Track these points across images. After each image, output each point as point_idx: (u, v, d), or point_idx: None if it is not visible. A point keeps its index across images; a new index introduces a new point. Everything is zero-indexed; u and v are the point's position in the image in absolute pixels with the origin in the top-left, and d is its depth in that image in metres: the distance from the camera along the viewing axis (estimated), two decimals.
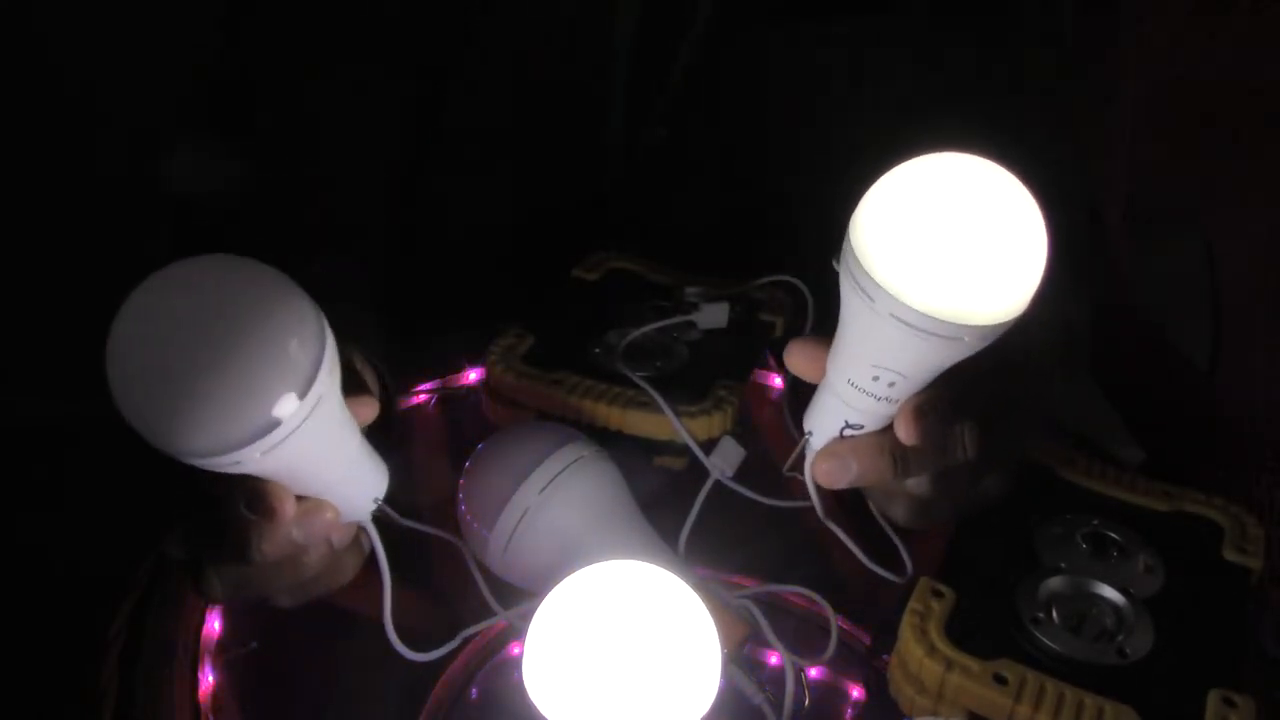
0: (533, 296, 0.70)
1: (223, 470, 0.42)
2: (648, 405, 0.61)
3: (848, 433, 0.49)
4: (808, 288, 0.69)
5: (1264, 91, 0.81)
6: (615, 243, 0.77)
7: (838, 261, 0.46)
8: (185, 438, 0.39)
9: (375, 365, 0.57)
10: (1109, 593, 0.53)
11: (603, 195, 0.80)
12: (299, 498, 0.47)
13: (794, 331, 0.70)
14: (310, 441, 0.43)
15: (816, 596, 0.55)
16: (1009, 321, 0.44)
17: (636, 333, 0.66)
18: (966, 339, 0.44)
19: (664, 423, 0.60)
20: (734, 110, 0.77)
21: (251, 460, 0.41)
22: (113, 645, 0.54)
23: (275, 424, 0.40)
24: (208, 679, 0.53)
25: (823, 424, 0.50)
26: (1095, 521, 0.57)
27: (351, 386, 0.49)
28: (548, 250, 0.76)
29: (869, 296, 0.44)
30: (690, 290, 0.70)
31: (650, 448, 0.62)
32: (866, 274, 0.44)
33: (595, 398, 0.61)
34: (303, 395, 0.41)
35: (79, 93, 1.05)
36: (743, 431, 0.61)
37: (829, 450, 0.50)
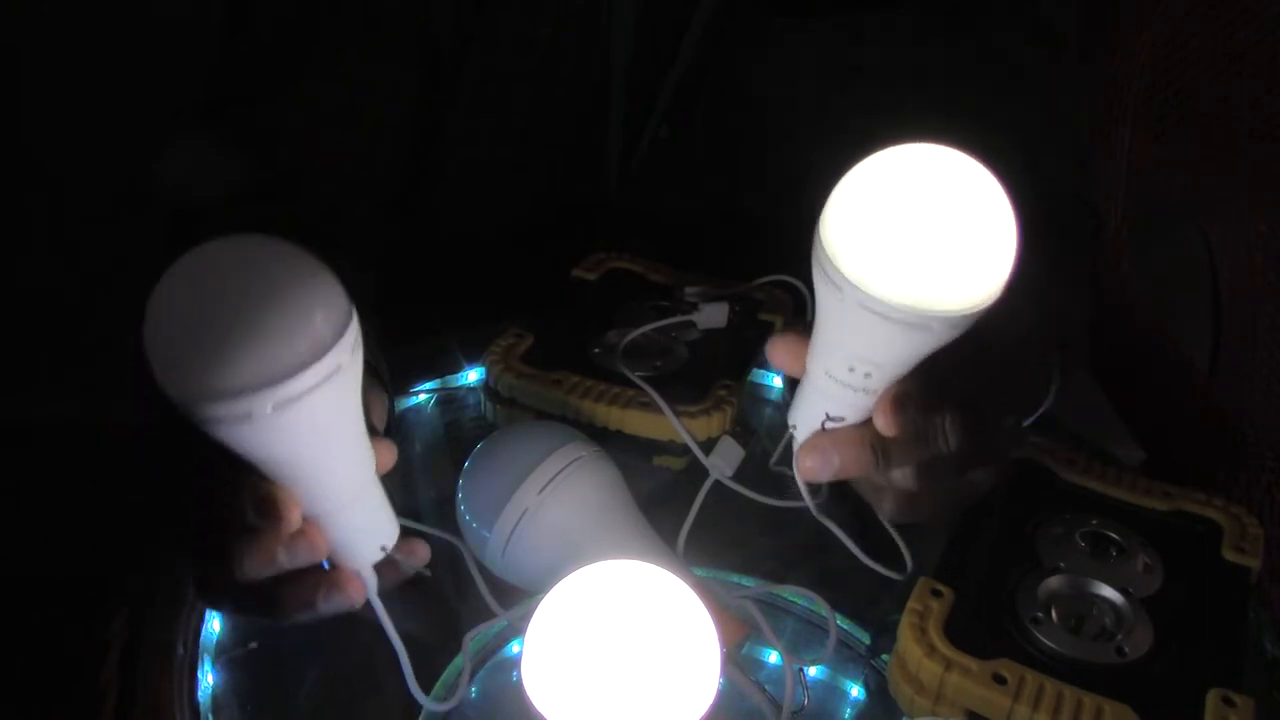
0: (532, 296, 0.70)
1: (233, 437, 0.42)
2: (647, 405, 0.61)
3: (829, 425, 0.50)
4: (807, 287, 0.69)
5: (1263, 91, 0.82)
6: (615, 243, 0.77)
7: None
8: (210, 373, 0.41)
9: (384, 386, 0.56)
10: (1108, 592, 0.53)
11: (604, 195, 0.80)
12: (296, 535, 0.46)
13: None
14: (325, 417, 0.44)
15: (816, 596, 0.55)
16: (978, 311, 0.45)
17: (636, 333, 0.66)
18: (935, 327, 0.44)
19: (663, 422, 0.60)
20: (733, 109, 0.77)
21: (263, 416, 0.42)
22: (113, 645, 0.54)
23: (293, 370, 0.42)
24: (208, 679, 0.53)
25: (805, 417, 0.50)
26: (1094, 521, 0.57)
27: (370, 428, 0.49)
28: (548, 250, 0.76)
29: (836, 287, 0.45)
30: (690, 290, 0.70)
31: (650, 447, 0.62)
32: (834, 265, 0.44)
33: (595, 398, 0.61)
34: (321, 354, 0.42)
35: (77, 91, 1.05)
36: (742, 431, 0.61)
37: (811, 444, 0.50)
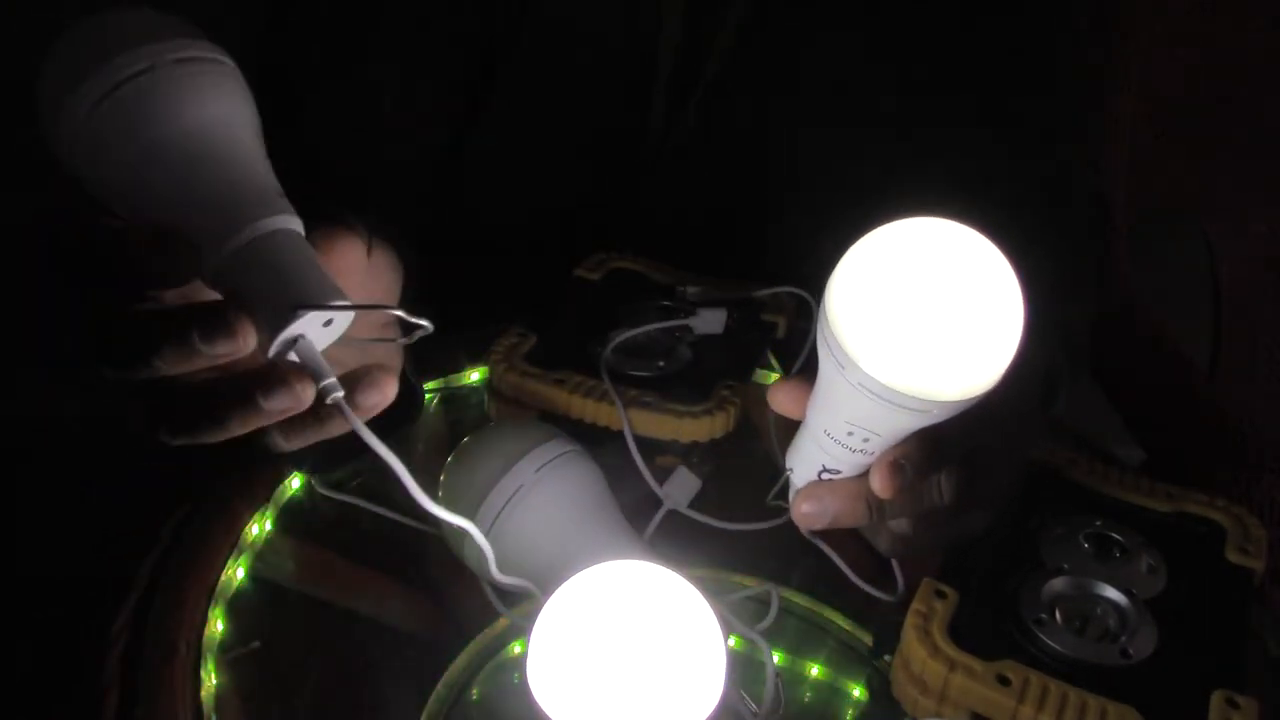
0: (535, 296, 0.70)
1: None
2: (649, 405, 0.61)
3: (825, 476, 0.50)
4: (811, 296, 0.69)
5: (1264, 92, 0.82)
6: (617, 242, 0.77)
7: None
8: None
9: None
10: (1112, 593, 0.53)
11: (625, 193, 0.79)
12: (202, 306, 0.42)
13: (797, 332, 0.70)
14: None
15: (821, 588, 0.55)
16: (978, 396, 0.45)
17: (635, 332, 0.66)
18: (936, 411, 0.45)
19: (665, 423, 0.60)
20: (734, 110, 0.77)
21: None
22: (114, 645, 0.53)
23: None
24: (209, 679, 0.53)
25: (802, 465, 0.51)
26: (1098, 522, 0.57)
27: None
28: (549, 250, 0.76)
29: (839, 364, 0.45)
30: (692, 290, 0.70)
31: (652, 447, 0.61)
32: (838, 342, 0.45)
33: (597, 397, 0.61)
34: None
35: None
36: (698, 462, 0.61)
37: (808, 493, 0.51)
